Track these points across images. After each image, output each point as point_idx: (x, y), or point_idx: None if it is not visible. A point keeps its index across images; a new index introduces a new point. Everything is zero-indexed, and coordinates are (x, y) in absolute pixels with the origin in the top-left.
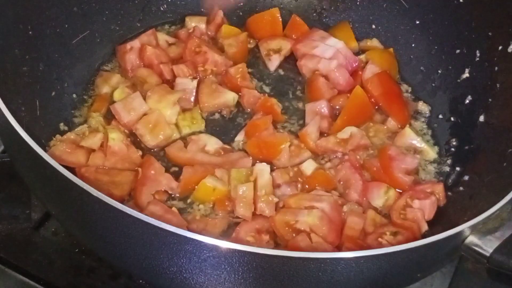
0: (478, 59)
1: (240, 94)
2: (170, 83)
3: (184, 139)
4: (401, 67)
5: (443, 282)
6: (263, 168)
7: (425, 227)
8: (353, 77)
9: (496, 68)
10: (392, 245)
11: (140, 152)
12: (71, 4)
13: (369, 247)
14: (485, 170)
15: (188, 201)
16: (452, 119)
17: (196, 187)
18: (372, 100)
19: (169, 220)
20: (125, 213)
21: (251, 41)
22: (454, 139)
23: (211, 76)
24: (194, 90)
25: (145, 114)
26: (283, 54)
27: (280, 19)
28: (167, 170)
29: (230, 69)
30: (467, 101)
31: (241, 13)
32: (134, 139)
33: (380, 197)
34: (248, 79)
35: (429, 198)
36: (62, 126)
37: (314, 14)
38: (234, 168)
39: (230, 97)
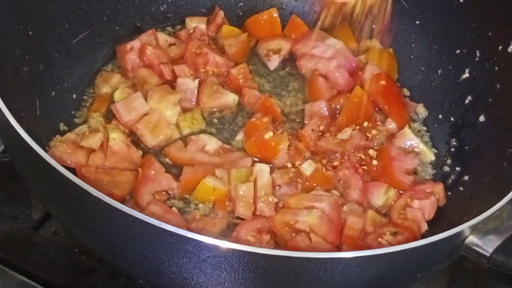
0: (478, 59)
1: (240, 94)
2: (170, 83)
3: (184, 139)
4: (401, 67)
5: (443, 282)
6: (263, 169)
7: (425, 227)
8: (353, 77)
9: (496, 68)
10: (392, 245)
11: (141, 152)
12: (71, 4)
13: (369, 247)
14: (485, 170)
15: (188, 200)
16: (452, 119)
17: (196, 187)
18: (372, 100)
19: (169, 220)
20: (125, 213)
21: (251, 39)
22: (454, 139)
23: (212, 77)
24: (196, 91)
25: (145, 114)
26: (282, 54)
27: (278, 19)
28: (167, 170)
29: (232, 70)
30: (467, 101)
31: (241, 13)
32: (134, 139)
33: (380, 197)
34: (250, 79)
35: (429, 198)
36: (62, 126)
37: (314, 14)
38: (234, 168)
39: (230, 98)
